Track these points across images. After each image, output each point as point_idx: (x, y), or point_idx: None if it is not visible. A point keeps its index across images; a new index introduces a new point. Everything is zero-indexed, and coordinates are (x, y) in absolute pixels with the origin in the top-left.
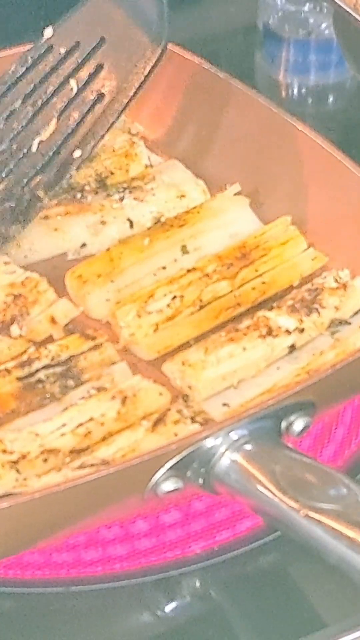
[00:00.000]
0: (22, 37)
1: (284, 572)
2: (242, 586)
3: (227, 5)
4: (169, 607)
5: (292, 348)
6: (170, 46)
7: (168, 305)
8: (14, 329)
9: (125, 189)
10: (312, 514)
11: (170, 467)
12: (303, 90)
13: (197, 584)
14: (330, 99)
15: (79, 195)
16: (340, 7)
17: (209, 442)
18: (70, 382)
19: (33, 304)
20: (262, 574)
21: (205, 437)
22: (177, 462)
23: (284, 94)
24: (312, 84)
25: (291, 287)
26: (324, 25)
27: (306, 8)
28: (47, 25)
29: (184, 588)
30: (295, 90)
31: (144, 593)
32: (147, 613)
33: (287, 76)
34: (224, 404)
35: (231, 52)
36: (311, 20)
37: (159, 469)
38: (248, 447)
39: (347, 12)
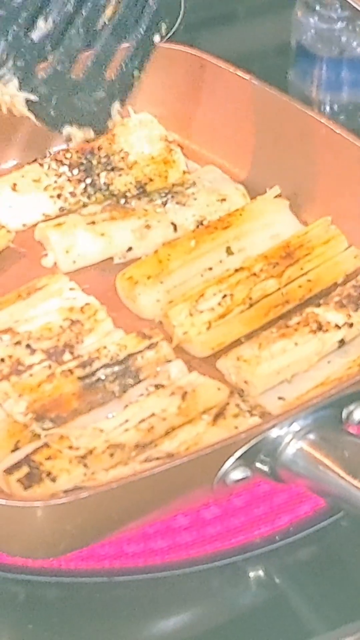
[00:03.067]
0: None
1: (334, 559)
2: (297, 573)
3: (261, 23)
4: (212, 597)
5: (342, 342)
6: (204, 55)
7: (219, 304)
8: (67, 357)
9: (167, 193)
10: None
11: (240, 457)
12: (335, 107)
13: (251, 572)
14: None
15: (122, 202)
16: None
17: (274, 432)
18: (129, 380)
19: (89, 332)
20: (310, 562)
21: (272, 427)
22: (246, 452)
23: (316, 111)
24: (344, 102)
25: (336, 284)
26: (355, 44)
27: (339, 26)
28: None
29: (229, 577)
30: (328, 108)
31: (185, 584)
32: (188, 603)
33: (319, 93)
34: (280, 398)
35: (265, 70)
36: (344, 39)
37: (228, 458)
38: (311, 435)
39: None
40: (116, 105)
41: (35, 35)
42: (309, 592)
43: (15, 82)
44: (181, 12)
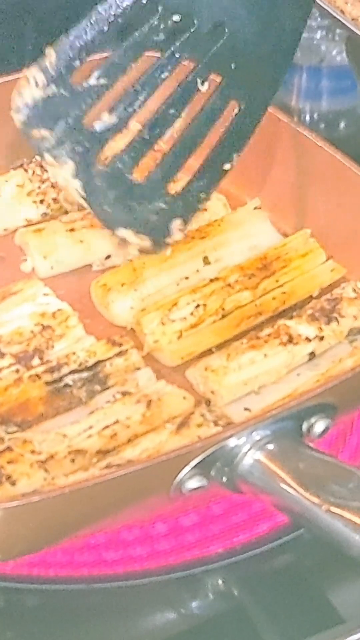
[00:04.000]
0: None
1: (302, 571)
2: (262, 584)
3: None
4: (189, 604)
5: (312, 355)
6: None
7: (191, 314)
8: (36, 362)
9: None
10: (333, 509)
11: (195, 465)
12: (315, 115)
13: (218, 581)
14: (342, 124)
15: None
16: (354, 31)
17: (232, 442)
18: (97, 387)
19: (59, 337)
20: (279, 572)
21: (230, 437)
22: (202, 461)
23: (296, 119)
24: (324, 110)
25: (310, 297)
26: (335, 52)
27: (318, 35)
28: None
29: (204, 586)
30: (308, 116)
31: (164, 590)
32: (168, 610)
33: (299, 102)
34: (246, 409)
35: None
36: (323, 48)
37: (184, 466)
38: (270, 446)
39: None
40: (177, 223)
41: (98, 126)
42: (272, 604)
43: (71, 166)
44: None
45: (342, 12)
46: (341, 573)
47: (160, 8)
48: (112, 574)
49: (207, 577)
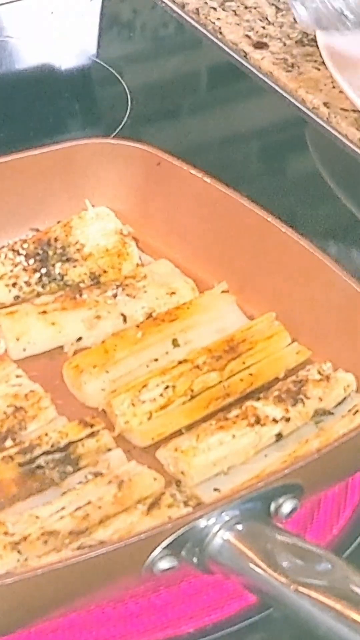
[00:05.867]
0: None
1: None
2: None
3: (204, 117)
4: None
5: (279, 436)
6: (160, 153)
7: (161, 395)
8: (8, 444)
9: (118, 286)
10: (301, 589)
11: (166, 546)
12: None
13: None
14: None
15: (75, 292)
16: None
17: (202, 522)
18: (69, 468)
19: (32, 418)
20: None
21: (199, 517)
22: (173, 542)
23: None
24: None
25: (277, 379)
26: None
27: None
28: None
29: None
30: None
31: None
32: None
33: None
34: (215, 489)
35: (208, 163)
36: None
37: (155, 547)
38: (239, 527)
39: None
40: None
41: None
42: None
43: None
44: (128, 107)
45: (304, 100)
46: None
47: None
48: None
49: None
